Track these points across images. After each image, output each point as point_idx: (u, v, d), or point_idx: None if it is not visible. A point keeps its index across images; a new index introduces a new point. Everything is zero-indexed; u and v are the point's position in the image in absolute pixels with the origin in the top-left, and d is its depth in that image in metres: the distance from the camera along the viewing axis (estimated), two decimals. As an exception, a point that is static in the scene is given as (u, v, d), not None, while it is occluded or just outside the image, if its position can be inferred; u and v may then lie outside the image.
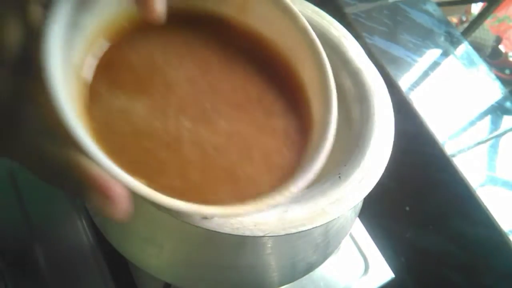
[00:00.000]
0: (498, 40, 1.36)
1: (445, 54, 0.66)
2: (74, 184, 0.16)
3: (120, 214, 0.16)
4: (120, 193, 0.16)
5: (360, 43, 0.34)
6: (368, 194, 0.28)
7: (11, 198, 0.40)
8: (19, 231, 0.39)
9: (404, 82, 0.60)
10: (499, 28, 1.39)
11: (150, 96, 0.20)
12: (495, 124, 0.60)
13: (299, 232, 0.25)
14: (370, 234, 0.48)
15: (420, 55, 0.64)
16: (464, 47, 0.67)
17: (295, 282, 0.36)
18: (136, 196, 0.20)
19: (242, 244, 0.31)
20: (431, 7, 0.70)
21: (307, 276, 0.36)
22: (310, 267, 0.35)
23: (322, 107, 0.22)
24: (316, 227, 0.25)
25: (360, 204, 0.37)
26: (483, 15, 0.90)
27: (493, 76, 0.65)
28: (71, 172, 0.16)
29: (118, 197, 0.16)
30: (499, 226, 0.50)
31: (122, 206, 0.16)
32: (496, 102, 0.63)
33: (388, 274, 0.46)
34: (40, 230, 0.39)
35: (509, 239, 0.50)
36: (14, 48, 0.16)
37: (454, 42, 0.67)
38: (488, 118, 0.61)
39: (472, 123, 0.60)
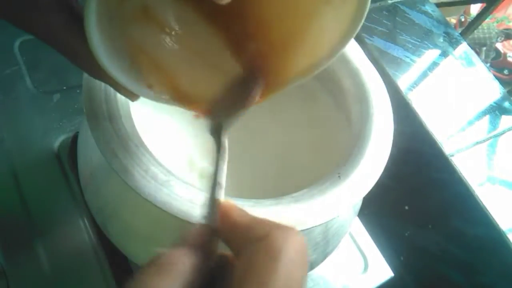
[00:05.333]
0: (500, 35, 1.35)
1: (444, 54, 0.66)
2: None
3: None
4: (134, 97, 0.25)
5: (359, 44, 0.35)
6: (368, 193, 0.28)
7: (13, 197, 0.40)
8: (21, 230, 0.39)
9: (403, 82, 0.60)
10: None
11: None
12: (494, 124, 0.61)
13: (299, 231, 0.25)
14: (370, 233, 0.49)
15: (419, 56, 0.64)
16: (463, 48, 0.68)
17: (295, 280, 0.36)
18: (139, 197, 0.24)
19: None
20: (430, 8, 0.70)
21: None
22: (310, 266, 0.35)
23: None
24: (316, 226, 0.26)
25: (360, 203, 0.37)
26: (482, 15, 0.90)
27: (491, 76, 0.66)
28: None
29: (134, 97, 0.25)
30: (498, 225, 0.51)
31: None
32: (495, 102, 0.63)
33: (387, 273, 0.47)
34: (42, 229, 0.39)
35: (507, 238, 0.50)
36: None
37: (453, 42, 0.68)
38: (486, 118, 0.61)
39: (471, 123, 0.60)
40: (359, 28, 0.24)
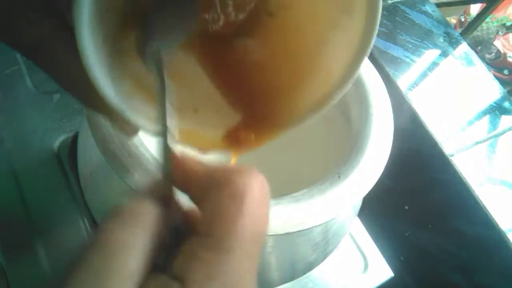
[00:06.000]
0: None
1: (444, 54, 0.66)
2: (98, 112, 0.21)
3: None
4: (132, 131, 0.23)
5: (359, 44, 0.35)
6: (367, 193, 0.28)
7: (13, 197, 0.40)
8: (21, 230, 0.39)
9: (403, 82, 0.60)
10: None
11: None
12: (494, 124, 0.61)
13: (299, 231, 0.25)
14: (370, 233, 0.49)
15: (419, 56, 0.64)
16: (463, 48, 0.68)
17: (294, 280, 0.36)
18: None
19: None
20: (430, 8, 0.70)
21: (306, 274, 0.36)
22: (310, 266, 0.35)
23: None
24: (316, 226, 0.26)
25: (360, 203, 0.37)
26: (482, 15, 0.90)
27: (491, 76, 0.66)
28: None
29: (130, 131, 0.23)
30: (498, 225, 0.51)
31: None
32: (495, 102, 0.63)
33: (387, 273, 0.47)
34: (42, 229, 0.39)
35: (507, 238, 0.50)
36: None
37: (453, 42, 0.68)
38: (486, 118, 0.61)
39: (471, 123, 0.60)
40: (370, 48, 0.22)
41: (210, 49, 0.23)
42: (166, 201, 0.17)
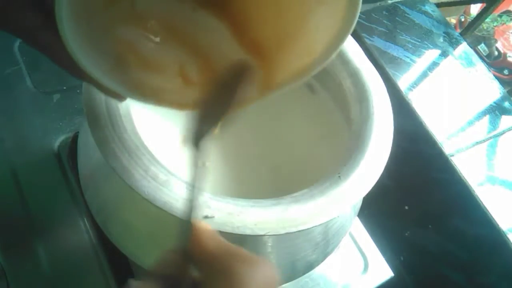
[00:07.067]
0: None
1: (444, 54, 0.66)
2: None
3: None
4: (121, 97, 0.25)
5: (359, 44, 0.35)
6: (368, 193, 0.28)
7: (14, 197, 0.40)
8: (21, 230, 0.39)
9: (403, 82, 0.60)
10: (497, 28, 1.40)
11: None
12: (494, 124, 0.61)
13: (299, 231, 0.25)
14: (370, 233, 0.49)
15: (419, 56, 0.64)
16: (463, 48, 0.68)
17: (294, 280, 0.36)
18: (139, 197, 0.24)
19: (243, 243, 0.31)
20: (430, 8, 0.70)
21: (307, 274, 0.36)
22: (310, 266, 0.35)
23: None
24: (316, 226, 0.26)
25: (360, 203, 0.37)
26: (482, 15, 0.90)
27: (491, 76, 0.66)
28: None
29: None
30: (498, 225, 0.51)
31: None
32: (495, 102, 0.63)
33: (387, 273, 0.47)
34: (42, 229, 0.39)
35: (507, 238, 0.50)
36: None
37: (452, 42, 0.68)
38: (486, 118, 0.61)
39: (471, 123, 0.60)
40: (353, 25, 0.23)
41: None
42: (176, 274, 0.18)
